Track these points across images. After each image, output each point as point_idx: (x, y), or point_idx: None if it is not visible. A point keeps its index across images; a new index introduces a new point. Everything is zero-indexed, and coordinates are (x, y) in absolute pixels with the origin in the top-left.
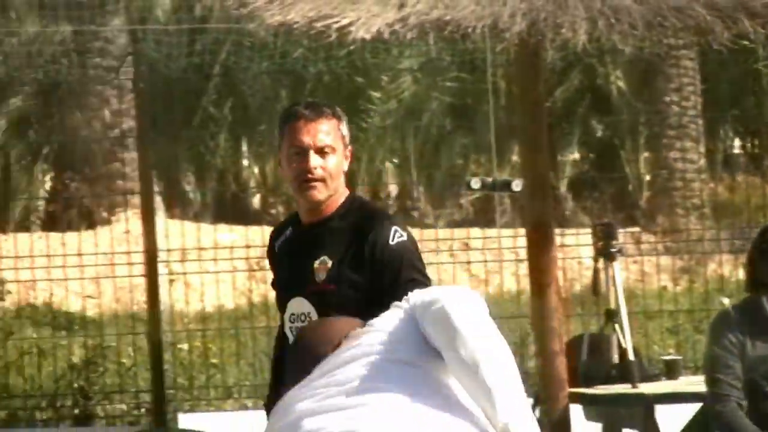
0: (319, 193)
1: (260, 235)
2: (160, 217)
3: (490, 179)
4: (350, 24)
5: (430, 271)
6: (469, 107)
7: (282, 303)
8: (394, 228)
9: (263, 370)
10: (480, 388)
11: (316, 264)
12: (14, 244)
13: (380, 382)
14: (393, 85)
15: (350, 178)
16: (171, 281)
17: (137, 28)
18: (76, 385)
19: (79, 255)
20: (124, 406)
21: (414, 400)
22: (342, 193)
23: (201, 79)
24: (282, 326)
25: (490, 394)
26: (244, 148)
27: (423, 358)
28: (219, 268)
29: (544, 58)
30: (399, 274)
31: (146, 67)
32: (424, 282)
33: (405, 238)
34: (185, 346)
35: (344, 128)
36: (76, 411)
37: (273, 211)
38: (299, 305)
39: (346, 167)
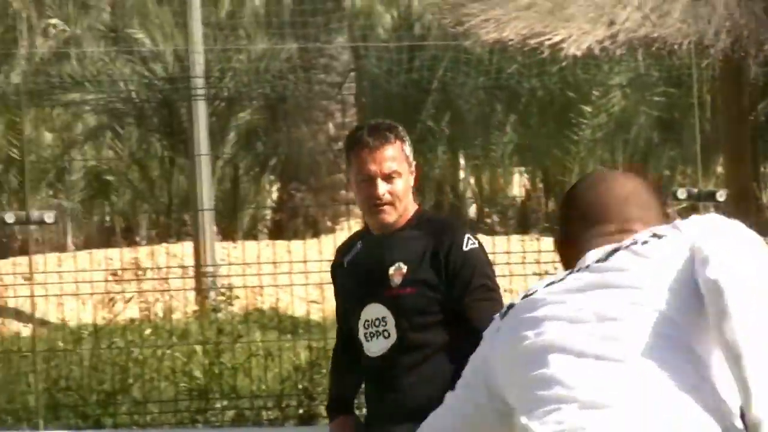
0: (389, 216)
1: None
2: None
3: (695, 190)
4: (562, 41)
5: None
6: (675, 121)
7: (352, 312)
8: (467, 235)
9: None
10: (738, 378)
11: (392, 270)
12: (242, 252)
13: (634, 334)
14: (603, 100)
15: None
16: None
17: (360, 46)
18: (300, 386)
19: (304, 262)
20: None
21: (662, 369)
22: (411, 208)
23: (420, 93)
24: (343, 338)
25: (747, 386)
26: (461, 160)
27: (685, 314)
28: None
29: (748, 73)
30: (471, 279)
31: (368, 83)
32: (494, 288)
33: (477, 245)
34: None
35: (407, 148)
36: (301, 411)
37: (488, 221)
38: (375, 310)
39: (412, 183)
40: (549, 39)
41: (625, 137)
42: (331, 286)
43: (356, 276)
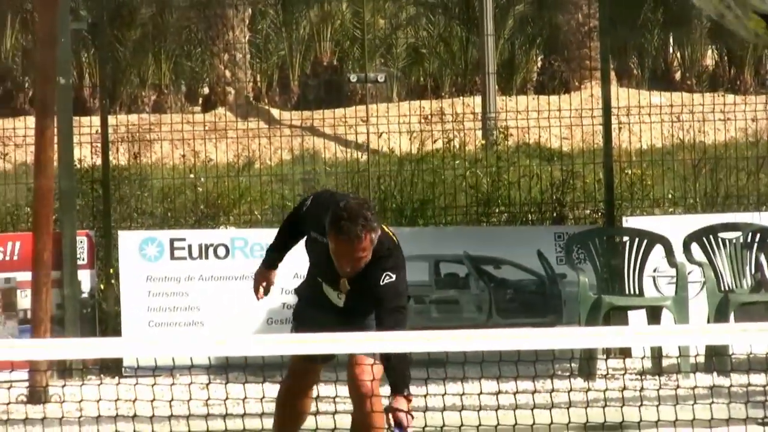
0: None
1: (679, 98)
2: (613, 86)
3: None
4: None
5: None
6: None
7: (322, 272)
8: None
9: (683, 186)
10: None
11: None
12: (516, 103)
13: None
14: None
15: None
16: (619, 128)
17: None
18: (554, 197)
19: (559, 110)
20: (587, 212)
21: None
22: None
23: None
24: (285, 239)
25: None
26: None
27: None
28: (651, 120)
29: None
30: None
31: None
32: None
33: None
34: (629, 171)
35: (376, 235)
36: (554, 214)
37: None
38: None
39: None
40: None
41: None
42: (577, 128)
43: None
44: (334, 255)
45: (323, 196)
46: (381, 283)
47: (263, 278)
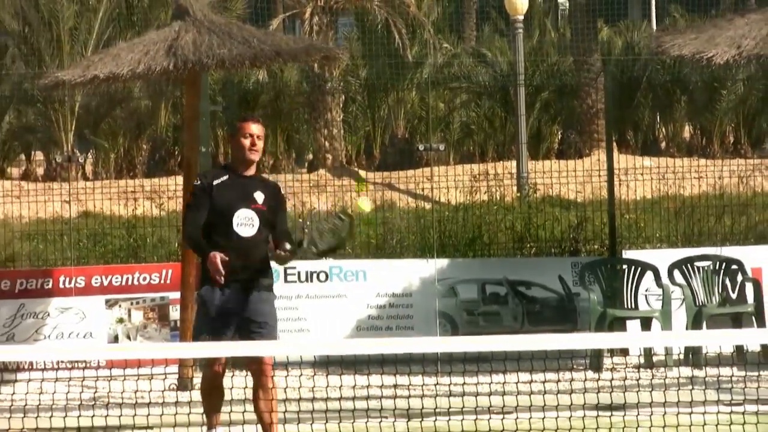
0: (257, 153)
1: (664, 162)
2: (615, 153)
3: None
4: (713, 56)
5: None
6: None
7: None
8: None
9: (668, 227)
10: None
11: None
12: (542, 166)
13: None
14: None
15: None
16: (619, 184)
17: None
18: (571, 235)
19: (575, 171)
20: (596, 246)
21: None
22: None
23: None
24: (221, 231)
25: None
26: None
27: None
28: (643, 178)
29: None
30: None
31: (614, 79)
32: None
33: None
34: (627, 216)
35: (262, 132)
36: (571, 248)
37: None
38: (245, 213)
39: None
40: (706, 54)
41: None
42: None
43: (225, 194)
44: (241, 138)
45: (201, 172)
46: (281, 192)
47: (220, 260)
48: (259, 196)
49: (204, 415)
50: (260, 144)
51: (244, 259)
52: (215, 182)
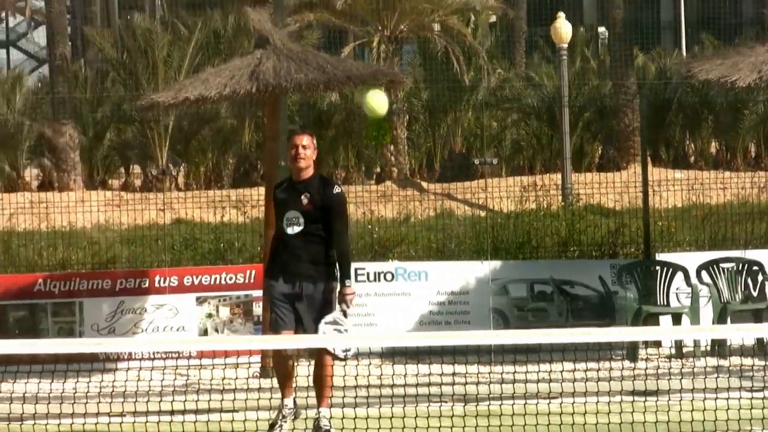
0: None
1: (693, 174)
2: (649, 166)
3: None
4: (736, 80)
5: None
6: None
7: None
8: (336, 185)
9: (696, 233)
10: None
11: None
12: (584, 178)
13: None
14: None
15: None
16: (653, 194)
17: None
18: (610, 240)
19: (614, 183)
20: (632, 250)
21: None
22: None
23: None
24: (279, 228)
25: None
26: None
27: None
28: (674, 188)
29: None
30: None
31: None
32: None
33: (341, 191)
34: (660, 223)
35: (310, 139)
36: (610, 252)
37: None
38: (293, 213)
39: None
40: (730, 78)
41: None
42: None
43: (282, 197)
44: (290, 150)
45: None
46: (333, 192)
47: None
48: (306, 197)
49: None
50: (306, 152)
51: (291, 255)
52: (277, 190)
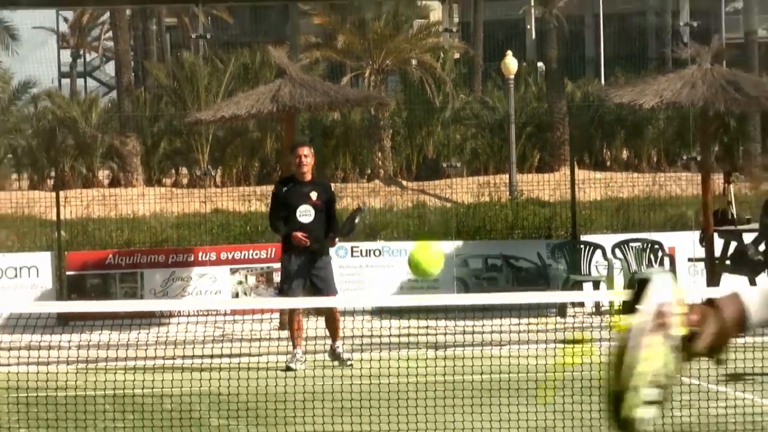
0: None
1: (610, 176)
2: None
3: None
4: (644, 102)
5: None
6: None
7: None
8: (331, 186)
9: (611, 219)
10: None
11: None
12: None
13: None
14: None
15: None
16: (579, 190)
17: None
18: (545, 225)
19: (549, 182)
20: (562, 232)
21: None
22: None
23: None
24: (293, 218)
25: None
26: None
27: None
28: (595, 186)
29: None
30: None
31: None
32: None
33: (333, 190)
34: (584, 212)
35: (310, 150)
36: (546, 234)
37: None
38: (305, 208)
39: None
40: (638, 102)
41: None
42: None
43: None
44: (294, 158)
45: (278, 181)
46: (332, 191)
47: (300, 234)
48: (314, 195)
49: (289, 340)
50: (307, 159)
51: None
52: (284, 189)
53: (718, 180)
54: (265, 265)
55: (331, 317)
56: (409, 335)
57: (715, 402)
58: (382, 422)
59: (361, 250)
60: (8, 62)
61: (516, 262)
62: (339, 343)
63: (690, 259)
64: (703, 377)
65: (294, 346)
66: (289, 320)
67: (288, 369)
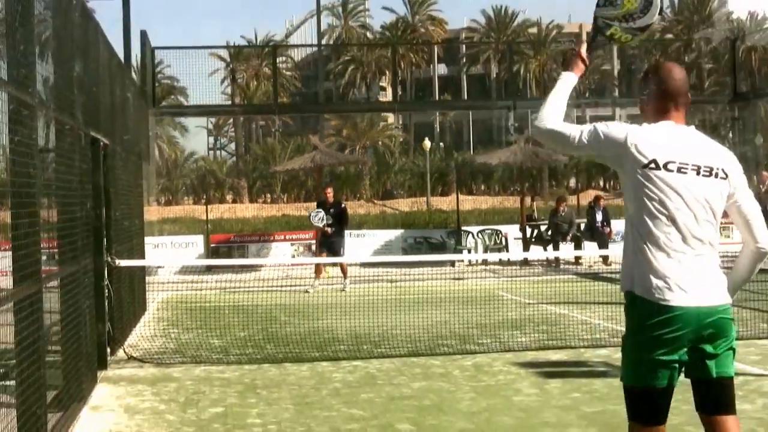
0: (331, 199)
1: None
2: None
3: None
4: None
5: None
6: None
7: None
8: (343, 203)
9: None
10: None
11: (331, 210)
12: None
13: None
14: None
15: None
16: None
17: None
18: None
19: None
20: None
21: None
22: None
23: None
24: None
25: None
26: None
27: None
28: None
29: None
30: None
31: None
32: (347, 216)
33: (344, 206)
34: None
35: (331, 190)
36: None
37: None
38: (328, 218)
39: (332, 194)
40: (490, 161)
41: None
42: None
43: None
44: (323, 193)
45: (317, 203)
46: (341, 207)
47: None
48: (332, 210)
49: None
50: (330, 193)
51: (326, 232)
52: (319, 207)
53: (529, 199)
54: (309, 242)
55: (342, 267)
56: (378, 277)
57: None
58: (369, 319)
59: (354, 234)
60: (183, 142)
61: (430, 240)
62: (347, 281)
63: (515, 239)
64: None
65: (316, 279)
66: (316, 268)
67: (306, 292)
